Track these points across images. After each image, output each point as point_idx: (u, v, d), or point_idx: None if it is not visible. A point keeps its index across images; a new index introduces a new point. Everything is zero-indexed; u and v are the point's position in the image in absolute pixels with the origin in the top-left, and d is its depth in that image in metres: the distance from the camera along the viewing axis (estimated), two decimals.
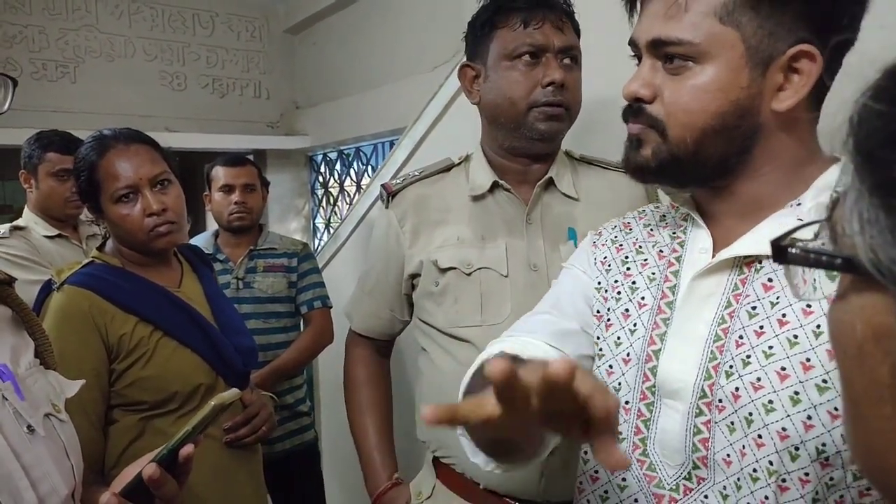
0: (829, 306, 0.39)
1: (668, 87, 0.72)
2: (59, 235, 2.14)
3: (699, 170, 0.73)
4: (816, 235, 0.39)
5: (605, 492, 0.79)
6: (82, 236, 2.21)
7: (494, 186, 1.25)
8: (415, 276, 1.28)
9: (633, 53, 0.78)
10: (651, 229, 0.87)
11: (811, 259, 0.36)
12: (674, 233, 0.83)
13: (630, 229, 0.89)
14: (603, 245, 0.90)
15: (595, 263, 0.89)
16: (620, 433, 0.78)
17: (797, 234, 0.39)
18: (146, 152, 1.35)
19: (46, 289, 1.30)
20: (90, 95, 3.65)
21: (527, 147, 1.22)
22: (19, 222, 2.13)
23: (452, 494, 1.24)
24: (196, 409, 1.32)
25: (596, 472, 0.80)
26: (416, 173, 1.34)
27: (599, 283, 0.87)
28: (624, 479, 0.77)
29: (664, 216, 0.87)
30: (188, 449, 0.73)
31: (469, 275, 1.21)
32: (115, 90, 3.73)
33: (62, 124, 2.26)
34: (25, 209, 2.17)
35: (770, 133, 0.71)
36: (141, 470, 0.72)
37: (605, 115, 1.63)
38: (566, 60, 1.19)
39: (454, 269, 1.22)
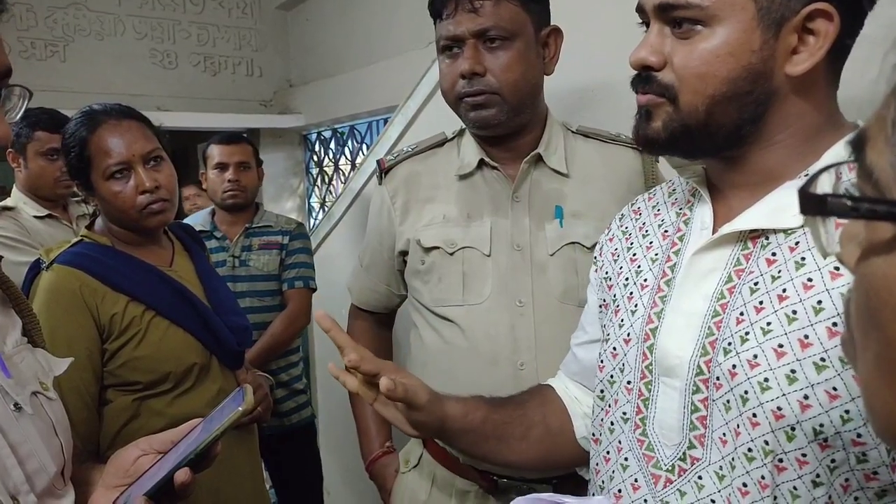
0: (858, 261, 0.35)
1: (677, 53, 0.69)
2: (49, 216, 2.11)
3: (711, 139, 0.71)
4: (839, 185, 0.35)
5: (613, 472, 0.78)
6: (73, 216, 2.18)
7: (482, 164, 1.23)
8: (405, 253, 1.28)
9: (640, 21, 0.75)
10: (658, 210, 0.85)
11: (864, 209, 0.31)
12: (680, 210, 0.82)
13: (639, 214, 0.88)
14: (610, 241, 0.90)
15: (596, 261, 0.91)
16: (625, 413, 0.78)
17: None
18: (138, 128, 1.33)
19: (35, 268, 1.28)
20: (80, 74, 3.61)
21: (476, 133, 1.23)
22: (8, 202, 2.10)
23: (437, 464, 1.26)
24: (190, 390, 1.31)
25: (608, 453, 0.80)
26: (410, 149, 1.33)
27: (607, 272, 0.87)
28: (626, 460, 0.77)
29: (673, 192, 0.85)
30: (182, 477, 0.73)
31: (452, 254, 1.21)
32: (105, 69, 3.69)
33: (52, 103, 2.22)
34: (14, 189, 2.14)
35: (784, 99, 0.69)
36: (169, 472, 0.72)
37: (606, 88, 1.62)
38: (488, 43, 1.15)
39: (438, 248, 1.22)
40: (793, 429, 0.63)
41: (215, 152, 2.30)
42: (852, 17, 0.66)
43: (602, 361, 0.83)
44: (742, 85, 0.67)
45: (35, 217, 2.08)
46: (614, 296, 0.84)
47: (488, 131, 1.20)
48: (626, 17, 1.51)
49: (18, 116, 0.74)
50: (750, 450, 0.66)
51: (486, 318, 1.18)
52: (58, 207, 2.16)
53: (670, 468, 0.72)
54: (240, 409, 0.71)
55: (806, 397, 0.63)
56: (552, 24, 1.22)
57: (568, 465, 0.99)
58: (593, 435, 0.84)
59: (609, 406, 0.81)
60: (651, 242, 0.82)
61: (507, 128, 1.20)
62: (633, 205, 0.91)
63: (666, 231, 0.81)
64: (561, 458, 0.96)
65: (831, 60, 0.68)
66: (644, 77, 0.72)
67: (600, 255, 0.91)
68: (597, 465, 0.82)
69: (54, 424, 0.74)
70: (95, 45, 3.70)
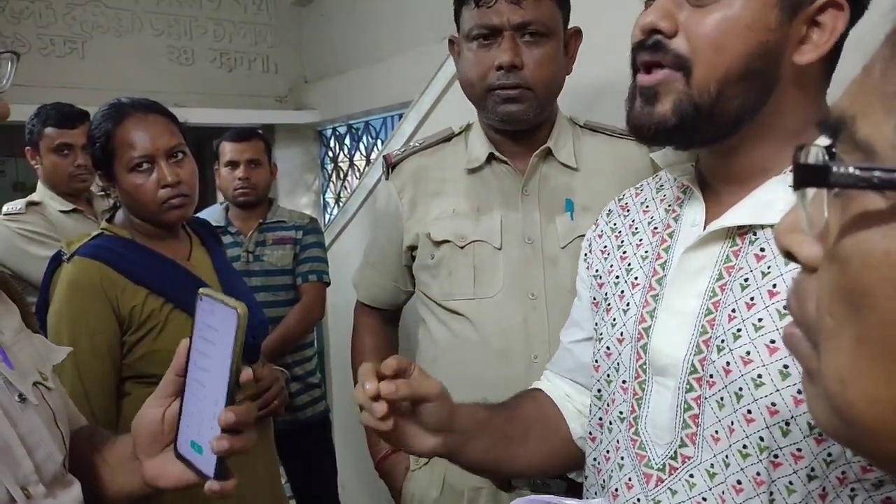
0: (839, 239, 0.33)
1: (692, 20, 0.66)
2: (74, 210, 2.14)
3: (714, 125, 0.68)
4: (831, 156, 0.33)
5: (612, 471, 0.78)
6: (97, 210, 2.20)
7: (491, 158, 1.23)
8: (413, 248, 1.28)
9: None
10: (647, 206, 0.84)
11: (878, 178, 0.29)
12: (669, 206, 0.81)
13: (627, 211, 0.87)
14: (599, 237, 0.88)
15: (587, 258, 0.90)
16: (621, 412, 0.77)
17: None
18: (164, 123, 1.35)
19: (56, 260, 1.30)
20: (98, 71, 3.65)
21: (497, 126, 1.21)
22: (34, 198, 2.12)
23: (448, 461, 1.26)
24: None
25: (608, 452, 0.80)
26: (417, 144, 1.34)
27: (597, 270, 0.86)
28: (622, 459, 0.76)
29: (662, 187, 0.85)
30: (248, 374, 0.69)
31: (462, 248, 1.21)
32: (123, 65, 3.72)
33: (70, 100, 2.25)
34: (38, 185, 2.16)
35: (786, 88, 0.67)
36: (230, 378, 0.68)
37: (618, 85, 1.61)
38: (526, 37, 1.14)
39: (448, 242, 1.22)
40: (787, 424, 0.63)
41: (227, 149, 2.30)
42: (854, 16, 0.65)
43: (597, 361, 0.82)
44: (755, 64, 0.65)
45: (61, 212, 2.11)
46: (605, 294, 0.83)
47: (512, 125, 1.19)
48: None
49: (9, 84, 0.71)
50: (745, 447, 0.66)
51: (497, 311, 1.19)
52: (82, 201, 2.18)
53: (661, 467, 0.72)
54: (239, 313, 0.66)
55: (800, 392, 0.62)
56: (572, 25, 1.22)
57: (565, 468, 0.94)
58: (590, 434, 0.84)
59: (607, 405, 0.80)
60: (641, 240, 0.82)
61: (529, 124, 1.20)
62: (620, 200, 0.90)
63: (656, 228, 0.81)
64: (559, 459, 0.91)
65: (829, 58, 0.67)
66: (653, 44, 0.67)
67: (590, 252, 0.90)
68: (597, 463, 0.82)
69: (55, 415, 0.74)
70: (114, 42, 3.74)
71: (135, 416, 1.26)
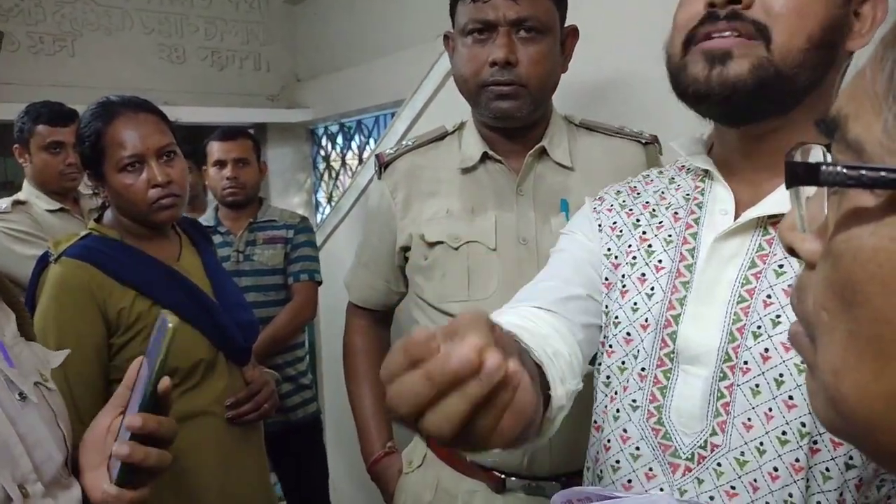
0: (833, 237, 0.33)
1: None
2: (61, 209, 2.12)
3: (788, 95, 0.66)
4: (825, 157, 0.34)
5: (617, 461, 0.76)
6: (84, 210, 2.19)
7: (485, 157, 1.22)
8: (406, 248, 1.27)
9: None
10: (662, 193, 0.83)
11: (866, 177, 0.30)
12: (688, 194, 0.80)
13: (638, 193, 0.85)
14: (609, 210, 0.85)
15: (601, 230, 0.85)
16: (635, 401, 0.75)
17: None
18: (154, 122, 1.33)
19: (43, 261, 1.28)
20: (88, 69, 3.61)
21: (491, 123, 1.20)
22: (20, 196, 2.11)
23: (442, 464, 1.25)
24: (197, 386, 1.31)
25: (609, 441, 0.78)
26: (410, 143, 1.32)
27: (609, 249, 0.83)
28: (638, 448, 0.75)
29: (673, 178, 0.84)
30: (166, 383, 0.72)
31: (456, 249, 1.19)
32: (113, 63, 3.69)
33: (60, 98, 2.23)
34: (25, 183, 2.15)
35: (833, 75, 0.68)
36: (143, 394, 0.71)
37: (615, 84, 1.61)
38: (522, 33, 1.13)
39: (442, 243, 1.20)
40: None
41: (214, 149, 2.28)
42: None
43: (611, 346, 0.79)
44: (828, 35, 0.65)
45: (47, 211, 2.09)
46: (622, 275, 0.80)
47: (505, 123, 1.18)
48: (636, 12, 1.50)
49: None
50: (784, 433, 0.66)
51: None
52: (68, 201, 2.16)
53: (690, 456, 0.71)
54: (169, 325, 0.71)
55: None
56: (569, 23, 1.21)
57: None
58: (595, 422, 0.82)
59: (616, 393, 0.78)
60: (661, 223, 0.80)
61: (523, 121, 1.18)
62: (629, 183, 0.89)
63: (677, 213, 0.79)
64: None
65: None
66: (729, 14, 0.65)
67: (600, 227, 0.85)
68: (597, 453, 0.80)
69: (56, 415, 0.74)
70: (104, 40, 3.71)
71: None
